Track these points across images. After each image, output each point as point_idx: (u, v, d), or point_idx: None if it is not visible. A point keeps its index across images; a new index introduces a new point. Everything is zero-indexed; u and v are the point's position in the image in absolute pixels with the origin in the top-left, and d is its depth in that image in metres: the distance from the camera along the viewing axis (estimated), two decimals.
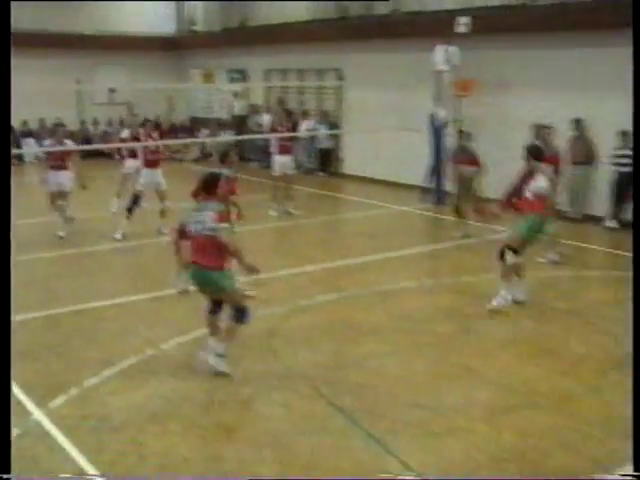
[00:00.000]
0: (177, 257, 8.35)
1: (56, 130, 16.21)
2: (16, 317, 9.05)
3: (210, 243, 8.02)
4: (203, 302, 8.39)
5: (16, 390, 7.82)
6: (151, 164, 15.09)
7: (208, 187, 8.50)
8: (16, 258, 8.57)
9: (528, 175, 10.59)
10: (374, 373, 8.34)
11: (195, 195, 8.89)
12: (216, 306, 8.41)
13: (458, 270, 12.56)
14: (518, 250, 10.36)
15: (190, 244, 8.17)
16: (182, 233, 8.24)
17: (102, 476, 6.17)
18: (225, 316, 8.32)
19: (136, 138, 15.55)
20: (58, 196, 14.74)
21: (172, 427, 7.07)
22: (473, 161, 14.33)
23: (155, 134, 15.53)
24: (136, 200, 14.96)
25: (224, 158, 11.49)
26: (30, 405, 7.53)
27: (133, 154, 15.88)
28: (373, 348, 9.10)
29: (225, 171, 10.25)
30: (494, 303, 10.35)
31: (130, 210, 14.85)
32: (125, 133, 17.03)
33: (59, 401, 7.60)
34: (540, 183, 10.36)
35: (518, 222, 10.55)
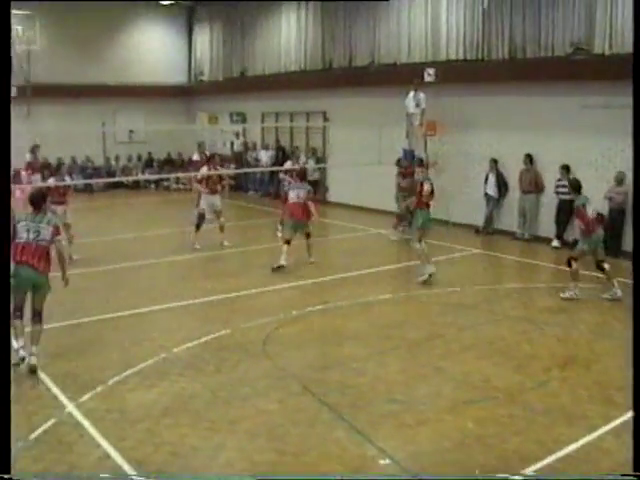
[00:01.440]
0: None
1: (59, 167, 16.18)
2: (52, 325, 9.05)
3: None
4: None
5: (52, 386, 7.87)
6: (213, 191, 15.81)
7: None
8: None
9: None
10: (355, 373, 8.32)
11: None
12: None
13: (427, 284, 12.50)
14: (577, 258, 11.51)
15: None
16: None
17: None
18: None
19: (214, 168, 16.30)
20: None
21: (183, 420, 7.04)
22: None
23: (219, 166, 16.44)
24: (201, 218, 15.68)
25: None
26: (64, 399, 7.53)
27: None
28: (354, 351, 9.10)
29: None
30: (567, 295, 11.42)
31: (198, 226, 15.59)
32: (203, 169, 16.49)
33: (87, 396, 7.59)
34: None
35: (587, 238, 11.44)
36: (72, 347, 9.23)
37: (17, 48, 25.82)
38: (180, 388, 7.87)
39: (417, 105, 17.74)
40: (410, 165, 16.51)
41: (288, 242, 13.68)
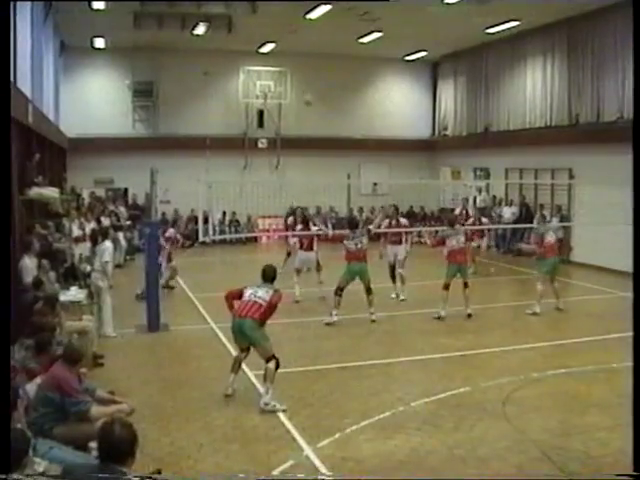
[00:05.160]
0: None
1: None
2: (292, 369, 9.48)
3: None
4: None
5: (292, 429, 8.21)
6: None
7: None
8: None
9: None
10: (599, 443, 7.91)
11: None
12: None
13: None
14: None
15: None
16: None
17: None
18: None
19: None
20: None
21: (418, 474, 7.06)
22: None
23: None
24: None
25: None
26: (302, 442, 7.84)
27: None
28: (598, 420, 8.67)
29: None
30: None
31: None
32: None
33: (325, 442, 7.85)
34: None
35: None
36: (313, 392, 9.60)
37: (269, 103, 27.78)
38: (417, 443, 7.91)
39: None
40: None
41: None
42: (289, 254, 18.43)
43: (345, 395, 9.52)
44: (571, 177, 21.98)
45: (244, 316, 9.10)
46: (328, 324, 13.56)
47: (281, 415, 8.65)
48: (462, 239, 14.34)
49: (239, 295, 9.36)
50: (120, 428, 4.66)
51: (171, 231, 18.54)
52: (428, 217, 29.19)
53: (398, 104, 30.39)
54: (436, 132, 30.88)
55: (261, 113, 28.40)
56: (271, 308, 9.20)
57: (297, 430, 8.17)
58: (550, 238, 15.00)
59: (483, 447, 7.77)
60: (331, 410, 8.89)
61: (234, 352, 11.42)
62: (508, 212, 24.54)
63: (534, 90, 24.07)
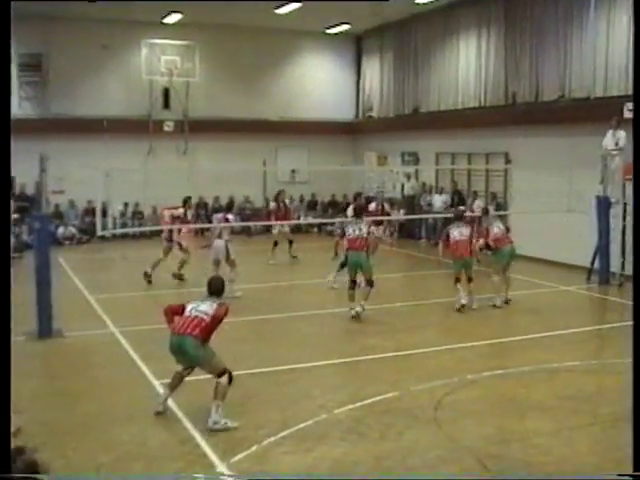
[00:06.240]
0: None
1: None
2: (201, 376, 9.37)
3: None
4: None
5: (204, 444, 8.11)
6: None
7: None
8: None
9: None
10: (539, 451, 8.04)
11: None
12: None
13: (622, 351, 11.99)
14: None
15: None
16: None
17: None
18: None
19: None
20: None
21: None
22: None
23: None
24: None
25: None
26: (214, 458, 7.76)
27: None
28: (538, 425, 8.83)
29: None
30: None
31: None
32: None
33: (240, 456, 7.78)
34: None
35: None
36: (228, 402, 9.49)
37: (175, 80, 27.43)
38: (340, 454, 7.91)
39: (615, 144, 17.28)
40: None
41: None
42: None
43: (262, 404, 9.47)
44: (507, 162, 22.35)
45: (183, 333, 8.86)
46: (353, 317, 13.99)
47: (190, 428, 8.54)
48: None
49: (180, 310, 9.15)
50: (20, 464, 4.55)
51: (180, 211, 18.67)
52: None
53: (319, 83, 30.43)
54: (360, 113, 31.07)
55: (167, 92, 27.93)
56: (215, 323, 8.99)
57: (209, 445, 8.08)
58: (497, 230, 15.73)
59: (413, 457, 7.82)
60: (246, 421, 8.80)
61: (139, 360, 11.28)
62: (439, 200, 24.82)
63: (468, 67, 24.42)
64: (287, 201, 22.51)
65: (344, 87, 31.13)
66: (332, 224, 25.43)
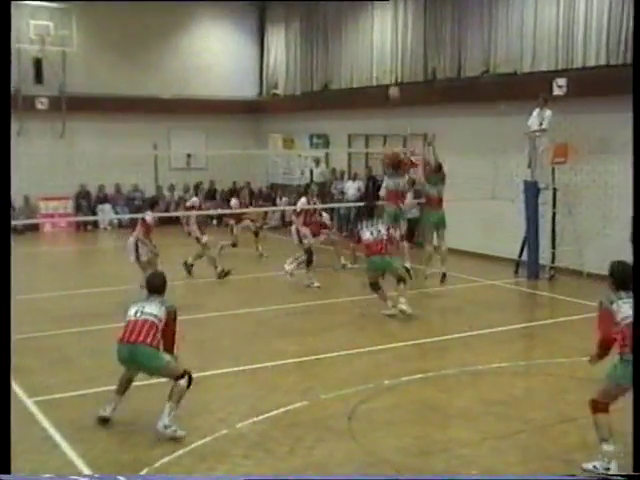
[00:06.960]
0: None
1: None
2: (84, 390, 9.18)
3: None
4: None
5: (85, 468, 7.88)
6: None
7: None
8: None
9: None
10: (464, 462, 8.12)
11: None
12: None
13: (555, 353, 12.24)
14: None
15: None
16: None
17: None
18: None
19: None
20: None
21: None
22: None
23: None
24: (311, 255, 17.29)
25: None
26: None
27: None
28: (462, 435, 8.94)
29: None
30: None
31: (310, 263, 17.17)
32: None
33: None
34: None
35: None
36: (113, 420, 9.32)
37: (48, 49, 26.64)
38: (244, 472, 7.83)
39: (541, 125, 17.60)
40: None
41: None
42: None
43: (153, 420, 9.28)
44: (427, 144, 22.53)
45: (134, 342, 8.68)
46: (390, 315, 14.34)
47: (68, 450, 8.32)
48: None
49: None
50: None
51: (194, 200, 19.11)
52: (256, 195, 29.21)
53: (217, 56, 30.26)
54: (264, 91, 30.99)
55: (39, 63, 26.95)
56: (169, 328, 8.88)
57: (92, 468, 7.85)
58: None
59: (326, 473, 7.81)
60: (136, 440, 8.65)
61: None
62: (352, 188, 24.94)
63: (383, 40, 24.60)
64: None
65: (246, 61, 31.01)
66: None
